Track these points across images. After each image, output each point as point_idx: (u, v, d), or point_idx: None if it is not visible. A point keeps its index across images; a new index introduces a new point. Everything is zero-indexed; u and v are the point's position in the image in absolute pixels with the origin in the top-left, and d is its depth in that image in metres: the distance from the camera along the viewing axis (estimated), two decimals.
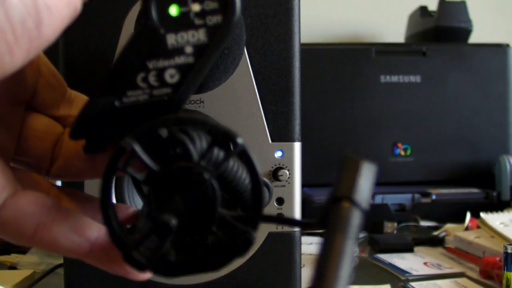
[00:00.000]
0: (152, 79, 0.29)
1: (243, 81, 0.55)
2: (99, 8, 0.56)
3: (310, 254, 0.77)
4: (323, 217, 0.27)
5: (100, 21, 0.56)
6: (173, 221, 0.27)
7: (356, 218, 0.26)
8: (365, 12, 1.48)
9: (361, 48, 1.10)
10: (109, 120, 0.29)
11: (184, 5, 0.28)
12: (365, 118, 1.09)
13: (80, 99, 0.35)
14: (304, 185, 1.04)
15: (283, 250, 0.57)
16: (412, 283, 0.64)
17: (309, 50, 1.07)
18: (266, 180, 0.33)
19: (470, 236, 0.77)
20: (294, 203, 0.57)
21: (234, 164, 0.30)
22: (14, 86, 0.31)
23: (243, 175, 0.30)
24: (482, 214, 0.82)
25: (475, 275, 0.68)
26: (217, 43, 0.28)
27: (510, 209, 0.92)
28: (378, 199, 1.00)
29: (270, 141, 0.56)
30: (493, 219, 0.79)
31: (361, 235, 0.89)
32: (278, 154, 0.57)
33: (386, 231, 0.90)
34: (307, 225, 0.29)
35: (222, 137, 0.28)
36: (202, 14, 0.28)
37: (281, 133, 0.57)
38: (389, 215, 0.98)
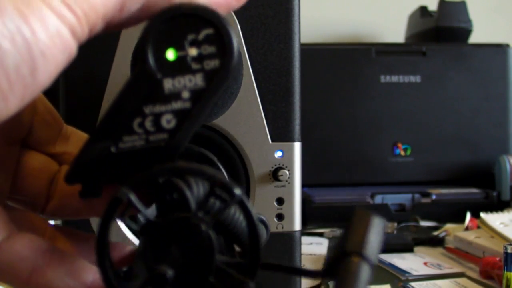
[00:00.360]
0: (148, 124, 0.28)
1: (243, 82, 0.56)
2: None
3: (310, 254, 0.77)
4: (328, 268, 0.27)
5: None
6: (170, 272, 0.27)
7: (366, 273, 0.26)
8: (365, 12, 1.49)
9: (361, 48, 1.11)
10: (105, 166, 0.29)
11: (181, 49, 0.28)
12: (365, 118, 1.09)
13: (76, 135, 0.35)
14: (304, 185, 1.04)
15: (283, 249, 0.57)
16: (412, 283, 0.64)
17: (309, 50, 1.08)
18: (263, 217, 0.33)
19: (470, 236, 0.77)
20: (294, 203, 0.57)
21: (231, 211, 0.29)
22: (9, 126, 0.31)
23: (240, 218, 0.30)
24: (482, 214, 0.82)
25: (475, 275, 0.68)
26: (215, 88, 0.28)
27: (510, 209, 0.92)
28: (378, 199, 1.00)
29: (270, 141, 0.56)
30: (493, 219, 0.79)
31: None
32: (278, 154, 0.57)
33: (386, 231, 0.90)
34: (310, 274, 0.29)
35: (220, 186, 0.27)
36: (199, 58, 0.28)
37: (281, 133, 0.57)
38: (389, 215, 0.98)
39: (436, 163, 1.10)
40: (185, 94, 0.28)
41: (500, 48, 1.15)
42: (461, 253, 0.76)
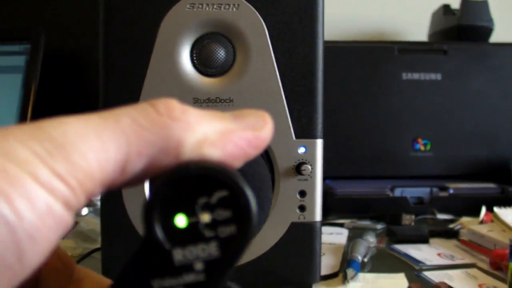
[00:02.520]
0: None
1: (269, 82, 0.60)
2: (132, 6, 0.60)
3: (330, 244, 0.81)
4: None
5: (132, 21, 0.61)
6: None
7: None
8: (390, 9, 1.52)
9: (383, 46, 1.14)
10: None
11: (192, 215, 0.25)
12: (387, 114, 1.12)
13: (89, 278, 0.32)
14: (327, 177, 1.09)
15: (304, 238, 0.62)
16: (425, 273, 0.68)
17: (333, 47, 1.11)
18: None
19: (483, 229, 0.81)
20: (315, 195, 0.62)
21: None
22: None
23: None
24: (495, 209, 0.85)
25: (485, 267, 0.72)
26: (232, 257, 0.25)
27: None
28: (398, 192, 1.04)
29: (294, 138, 0.61)
30: (506, 213, 0.83)
31: (380, 226, 0.93)
32: (302, 150, 0.61)
33: (404, 223, 0.94)
34: None
35: None
36: (213, 224, 0.25)
37: (304, 131, 0.61)
38: (408, 208, 1.02)
39: (455, 158, 1.13)
40: (198, 266, 0.25)
41: None
42: (474, 245, 0.79)
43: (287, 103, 0.60)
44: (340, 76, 1.12)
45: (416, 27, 1.48)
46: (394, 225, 0.93)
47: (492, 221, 0.87)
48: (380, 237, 0.87)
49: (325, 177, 1.07)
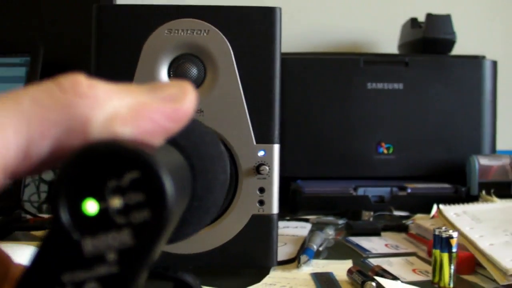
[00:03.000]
0: None
1: (234, 96, 0.71)
2: (119, 30, 0.71)
3: (293, 235, 0.92)
4: None
5: (119, 43, 0.72)
6: None
7: None
8: (365, 22, 1.63)
9: (351, 58, 1.25)
10: None
11: (101, 199, 0.23)
12: (353, 120, 1.24)
13: None
14: (298, 178, 1.20)
15: (263, 228, 0.73)
16: (370, 259, 0.80)
17: (305, 59, 1.23)
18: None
19: (427, 223, 0.92)
20: (273, 191, 0.73)
21: None
22: None
23: None
24: (441, 206, 0.96)
25: (424, 255, 0.83)
26: (147, 246, 0.23)
27: (474, 202, 1.06)
28: (361, 191, 1.15)
29: (254, 143, 0.72)
30: (449, 210, 0.93)
31: (341, 221, 1.04)
32: (261, 153, 0.72)
33: (364, 218, 1.05)
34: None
35: None
36: (125, 210, 0.23)
37: (263, 137, 0.72)
38: (369, 205, 1.13)
39: (415, 161, 1.25)
40: (111, 256, 0.23)
41: (476, 59, 1.29)
42: (419, 237, 0.91)
43: (248, 113, 0.71)
44: (311, 85, 1.23)
45: (388, 38, 1.59)
46: (354, 220, 1.04)
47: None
48: (339, 230, 0.98)
49: (296, 178, 1.20)
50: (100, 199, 0.23)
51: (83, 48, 1.13)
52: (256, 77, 0.72)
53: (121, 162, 0.23)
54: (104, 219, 0.23)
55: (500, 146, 1.34)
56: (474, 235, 0.79)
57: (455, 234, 0.68)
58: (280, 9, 0.73)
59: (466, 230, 0.81)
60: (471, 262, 0.74)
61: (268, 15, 0.72)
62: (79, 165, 0.23)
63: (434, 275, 0.68)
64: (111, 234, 0.23)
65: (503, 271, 0.66)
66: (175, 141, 0.30)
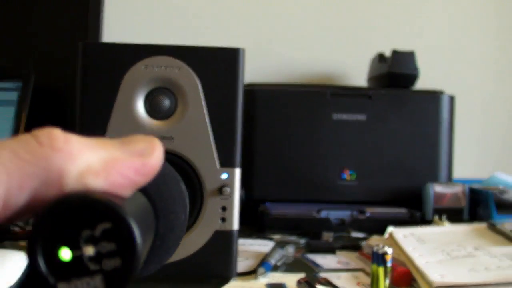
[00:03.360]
0: None
1: (201, 125, 0.81)
2: (102, 65, 0.81)
3: (256, 252, 1.01)
4: None
5: (102, 76, 0.81)
6: None
7: None
8: (336, 54, 1.73)
9: (318, 90, 1.36)
10: None
11: (76, 247, 0.25)
12: (319, 148, 1.33)
13: None
14: (266, 200, 1.29)
15: (225, 242, 0.82)
16: (321, 274, 0.89)
17: (276, 91, 1.34)
18: None
19: (377, 243, 1.01)
20: (234, 210, 0.82)
21: None
22: None
23: None
24: (391, 228, 1.06)
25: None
26: None
27: (424, 226, 1.16)
28: (324, 214, 1.25)
29: (218, 167, 0.81)
30: (398, 232, 1.03)
31: (303, 241, 1.13)
32: (224, 176, 0.82)
33: (324, 239, 1.14)
34: None
35: None
36: (97, 257, 0.25)
37: (226, 161, 0.82)
38: (330, 227, 1.22)
39: (376, 187, 1.34)
40: None
41: (434, 94, 1.39)
42: (368, 256, 1.00)
43: (214, 140, 0.81)
44: (280, 114, 1.33)
45: (358, 71, 1.69)
46: (315, 240, 1.13)
47: None
48: (299, 249, 1.07)
49: (264, 200, 1.29)
50: (74, 247, 0.25)
51: (72, 75, 1.23)
52: (221, 108, 0.82)
53: (94, 213, 0.25)
54: (78, 266, 0.25)
55: (457, 174, 1.44)
56: (414, 254, 0.88)
57: (390, 251, 0.77)
58: (244, 49, 0.83)
59: (409, 249, 0.91)
60: (408, 277, 0.83)
61: (233, 55, 0.82)
62: (54, 215, 0.25)
63: (372, 286, 0.78)
64: (84, 279, 0.25)
65: (429, 283, 0.76)
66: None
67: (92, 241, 0.25)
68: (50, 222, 0.25)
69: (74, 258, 0.25)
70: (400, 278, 0.82)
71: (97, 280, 0.25)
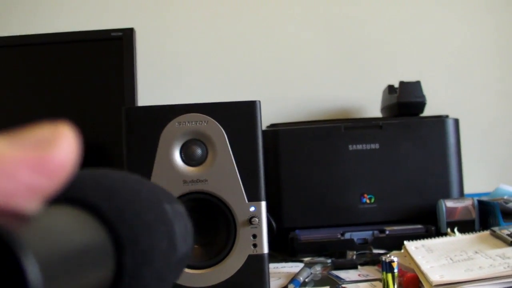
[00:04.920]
0: None
1: (229, 167, 0.97)
2: (142, 125, 0.98)
3: (287, 272, 1.16)
4: None
5: (143, 134, 0.98)
6: None
7: None
8: (350, 90, 1.89)
9: (333, 125, 1.51)
10: None
11: None
12: (339, 177, 1.48)
13: None
14: (295, 228, 1.44)
15: (257, 265, 0.97)
16: (344, 285, 1.03)
17: (295, 129, 1.49)
18: None
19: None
20: (263, 237, 0.98)
21: None
22: None
23: None
24: (405, 242, 1.20)
25: None
26: None
27: (437, 238, 1.29)
28: (348, 235, 1.39)
29: (247, 201, 0.97)
30: (411, 245, 1.17)
31: (329, 260, 1.27)
32: (252, 208, 0.97)
33: (348, 257, 1.29)
34: None
35: None
36: None
37: (253, 196, 0.97)
38: (354, 246, 1.37)
39: (394, 207, 1.49)
40: None
41: (440, 118, 1.54)
42: None
43: (240, 179, 0.97)
44: (302, 149, 1.48)
45: (372, 103, 1.84)
46: (340, 259, 1.28)
47: None
48: (326, 267, 1.21)
49: (294, 228, 1.43)
50: None
51: (116, 135, 1.40)
52: (244, 152, 0.98)
53: None
54: None
55: (468, 190, 1.58)
56: (422, 261, 1.02)
57: (396, 259, 0.92)
58: (259, 101, 0.99)
59: (418, 258, 1.05)
60: (416, 281, 0.97)
61: (251, 106, 0.98)
62: None
63: None
64: None
65: (430, 283, 0.90)
66: (88, 203, 0.25)
67: None
68: None
69: None
70: (408, 282, 0.96)
71: None
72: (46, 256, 0.18)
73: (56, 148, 0.20)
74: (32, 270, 0.17)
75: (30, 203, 0.20)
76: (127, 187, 0.28)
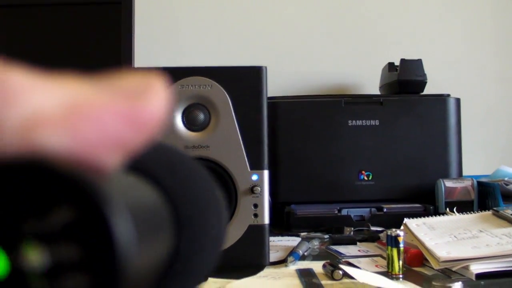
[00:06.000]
0: None
1: (232, 134, 0.93)
2: None
3: (285, 246, 1.14)
4: None
5: None
6: None
7: None
8: (349, 67, 1.86)
9: (333, 100, 1.48)
10: None
11: (11, 252, 0.15)
12: (337, 152, 1.46)
13: None
14: (291, 203, 1.41)
15: (258, 235, 0.95)
16: (344, 259, 1.01)
17: (296, 102, 1.46)
18: None
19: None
20: (264, 207, 0.95)
21: None
22: None
23: None
24: (405, 219, 1.17)
25: None
26: None
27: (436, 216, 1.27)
28: (344, 212, 1.37)
29: (249, 169, 0.94)
30: (411, 222, 1.14)
31: (326, 236, 1.25)
32: (254, 177, 0.94)
33: (345, 233, 1.26)
34: None
35: None
36: (50, 272, 0.15)
37: (256, 165, 0.94)
38: (351, 223, 1.34)
39: (392, 186, 1.46)
40: None
41: (441, 97, 1.51)
42: (384, 244, 1.12)
43: (244, 146, 0.94)
44: (301, 124, 1.45)
45: (370, 80, 1.81)
46: (337, 234, 1.25)
47: None
48: (324, 242, 1.19)
49: (290, 203, 1.41)
50: (10, 251, 0.15)
51: None
52: (248, 118, 0.94)
53: (47, 193, 0.15)
54: (15, 286, 0.15)
55: (466, 172, 1.55)
56: (425, 238, 1.00)
57: (401, 233, 0.89)
58: (266, 67, 0.96)
59: (421, 235, 1.03)
60: (420, 257, 0.95)
61: (257, 72, 0.95)
62: None
63: (388, 266, 0.90)
64: None
65: (437, 259, 0.88)
66: (152, 174, 0.23)
67: (42, 241, 0.15)
68: None
69: (8, 271, 0.15)
70: (413, 258, 0.94)
71: None
72: (137, 220, 0.16)
73: (149, 100, 0.18)
74: (125, 226, 0.15)
75: (112, 157, 0.18)
76: (187, 163, 0.27)
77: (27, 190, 0.15)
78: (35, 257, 0.15)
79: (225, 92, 0.94)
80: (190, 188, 0.25)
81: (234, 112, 0.94)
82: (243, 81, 0.95)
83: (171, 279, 0.23)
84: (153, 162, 0.23)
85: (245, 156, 0.94)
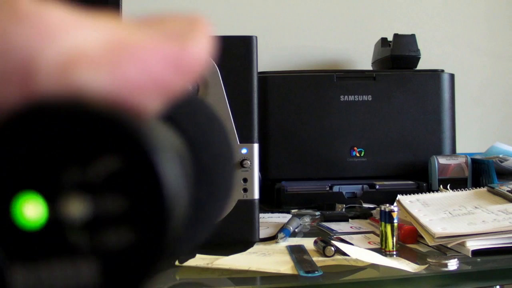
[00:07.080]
0: None
1: (221, 106, 0.90)
2: None
3: (276, 222, 1.11)
4: None
5: None
6: None
7: None
8: (341, 42, 1.82)
9: (325, 74, 1.45)
10: None
11: (50, 200, 0.14)
12: (329, 128, 1.42)
13: None
14: (282, 179, 1.38)
15: (247, 210, 0.92)
16: (336, 236, 0.98)
17: (287, 76, 1.43)
18: None
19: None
20: (254, 181, 0.92)
21: None
22: None
23: None
24: (399, 196, 1.15)
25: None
26: None
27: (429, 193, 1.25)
28: (336, 188, 1.34)
29: (238, 143, 0.91)
30: (405, 198, 1.12)
31: (318, 213, 1.22)
32: (244, 151, 0.91)
33: (337, 210, 1.24)
34: None
35: None
36: (92, 225, 0.14)
37: (245, 138, 0.91)
38: (343, 200, 1.32)
39: (384, 162, 1.43)
40: None
41: (435, 73, 1.48)
42: (377, 220, 1.09)
43: (233, 120, 0.90)
44: (292, 99, 1.42)
45: (363, 56, 1.78)
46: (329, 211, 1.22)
47: None
48: (315, 219, 1.16)
49: (280, 179, 1.38)
50: (49, 199, 0.14)
51: None
52: (238, 90, 0.91)
53: (90, 139, 0.14)
54: (51, 237, 0.14)
55: (460, 150, 1.53)
56: (419, 214, 0.97)
57: (395, 209, 0.86)
58: (256, 37, 0.92)
59: (414, 211, 1.00)
60: (414, 234, 0.92)
61: (247, 43, 0.92)
62: (13, 138, 0.14)
63: (381, 243, 0.87)
64: (62, 266, 0.14)
65: (432, 235, 0.85)
66: (178, 123, 0.22)
67: (83, 190, 0.14)
68: (6, 150, 0.14)
69: (46, 221, 0.14)
70: (406, 235, 0.91)
71: (87, 270, 0.14)
72: (176, 161, 0.16)
73: (194, 43, 0.17)
74: (176, 181, 0.15)
75: (154, 102, 0.17)
76: (207, 115, 0.26)
77: (67, 135, 0.14)
78: (75, 208, 0.14)
79: (215, 64, 0.90)
80: (210, 140, 0.25)
81: (223, 83, 0.90)
82: (233, 51, 0.91)
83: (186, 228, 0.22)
84: (179, 110, 0.22)
85: (235, 129, 0.91)
